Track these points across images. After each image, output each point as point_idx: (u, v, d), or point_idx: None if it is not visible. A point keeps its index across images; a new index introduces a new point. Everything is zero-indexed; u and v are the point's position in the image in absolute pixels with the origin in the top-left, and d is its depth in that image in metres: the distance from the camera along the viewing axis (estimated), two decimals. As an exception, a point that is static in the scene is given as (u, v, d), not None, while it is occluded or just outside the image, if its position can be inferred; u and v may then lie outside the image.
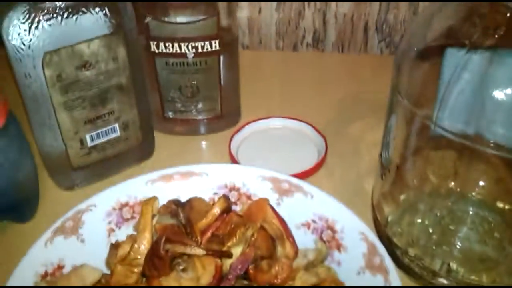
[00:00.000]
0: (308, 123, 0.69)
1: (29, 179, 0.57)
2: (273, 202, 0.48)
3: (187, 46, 0.61)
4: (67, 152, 0.58)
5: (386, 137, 0.50)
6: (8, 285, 0.41)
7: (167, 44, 0.61)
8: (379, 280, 0.41)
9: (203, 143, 0.70)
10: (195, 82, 0.64)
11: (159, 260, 0.37)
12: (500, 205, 0.56)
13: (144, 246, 0.40)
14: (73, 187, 0.61)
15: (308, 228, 0.48)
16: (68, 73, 0.53)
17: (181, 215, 0.43)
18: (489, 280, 0.49)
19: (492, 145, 0.44)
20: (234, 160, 0.64)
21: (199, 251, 0.38)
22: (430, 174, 0.57)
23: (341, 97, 0.77)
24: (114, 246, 0.44)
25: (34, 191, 0.59)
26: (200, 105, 0.66)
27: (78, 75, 0.54)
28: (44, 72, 0.52)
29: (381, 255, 0.42)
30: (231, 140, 0.66)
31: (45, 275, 0.43)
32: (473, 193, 0.57)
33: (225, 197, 0.45)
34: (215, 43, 0.62)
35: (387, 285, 0.41)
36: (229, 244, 0.42)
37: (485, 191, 0.57)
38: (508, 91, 0.42)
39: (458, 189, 0.57)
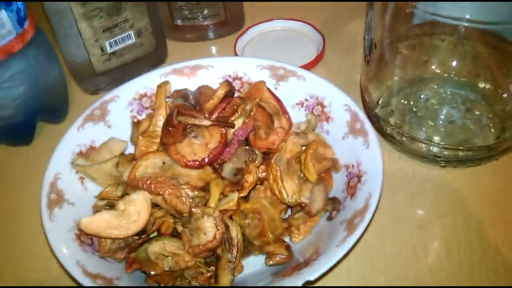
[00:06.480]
0: (307, 23, 0.74)
1: (58, 83, 0.64)
2: (271, 87, 0.55)
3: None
4: (90, 59, 0.65)
5: (369, 16, 0.55)
6: (50, 162, 0.50)
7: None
8: (359, 141, 0.49)
9: (212, 47, 0.76)
10: (200, -11, 0.70)
11: (173, 129, 0.45)
12: (480, 85, 0.62)
13: (160, 120, 0.48)
14: (97, 91, 0.69)
15: (302, 106, 0.55)
16: (84, -14, 0.59)
17: (191, 97, 0.50)
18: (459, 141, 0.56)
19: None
20: (239, 60, 0.70)
21: (206, 122, 0.46)
22: (411, 60, 0.62)
23: (338, -1, 0.81)
24: (136, 124, 0.52)
25: (63, 95, 0.66)
26: (205, 11, 0.72)
27: (93, -13, 0.60)
28: (63, -14, 0.58)
29: (361, 120, 0.49)
30: (236, 42, 0.72)
31: (79, 153, 0.51)
32: (453, 75, 0.63)
33: (227, 81, 0.52)
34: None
35: (366, 145, 0.48)
36: (232, 118, 0.49)
37: (465, 71, 0.62)
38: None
39: (441, 72, 0.63)
